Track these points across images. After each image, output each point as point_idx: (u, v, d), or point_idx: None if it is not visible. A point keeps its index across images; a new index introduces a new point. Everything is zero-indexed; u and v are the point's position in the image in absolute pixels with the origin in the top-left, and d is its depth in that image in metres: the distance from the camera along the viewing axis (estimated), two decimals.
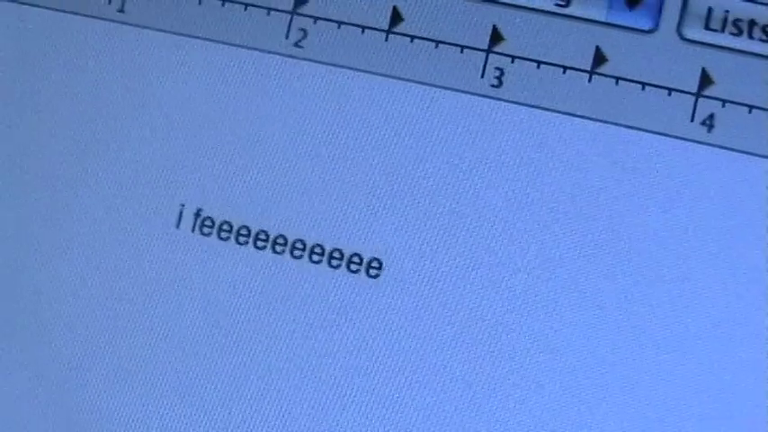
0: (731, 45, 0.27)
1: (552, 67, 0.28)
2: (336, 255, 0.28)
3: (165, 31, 0.30)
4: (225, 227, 0.29)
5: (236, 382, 0.28)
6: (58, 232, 0.30)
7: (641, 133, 0.27)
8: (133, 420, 0.29)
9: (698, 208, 0.27)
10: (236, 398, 0.28)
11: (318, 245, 0.28)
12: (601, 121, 0.27)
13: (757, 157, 0.27)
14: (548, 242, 0.27)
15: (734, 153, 0.27)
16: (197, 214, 0.29)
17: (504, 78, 0.28)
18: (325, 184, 0.28)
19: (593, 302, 0.27)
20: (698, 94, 0.27)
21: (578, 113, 0.27)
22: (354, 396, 0.27)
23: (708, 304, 0.26)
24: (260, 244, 0.28)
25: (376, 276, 0.28)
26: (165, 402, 0.28)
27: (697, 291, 0.27)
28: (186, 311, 0.28)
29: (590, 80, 0.27)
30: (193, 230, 0.29)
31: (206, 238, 0.29)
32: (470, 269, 0.27)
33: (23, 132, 0.31)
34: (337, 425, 0.27)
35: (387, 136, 0.28)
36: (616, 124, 0.27)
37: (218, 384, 0.28)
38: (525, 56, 0.28)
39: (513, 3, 0.28)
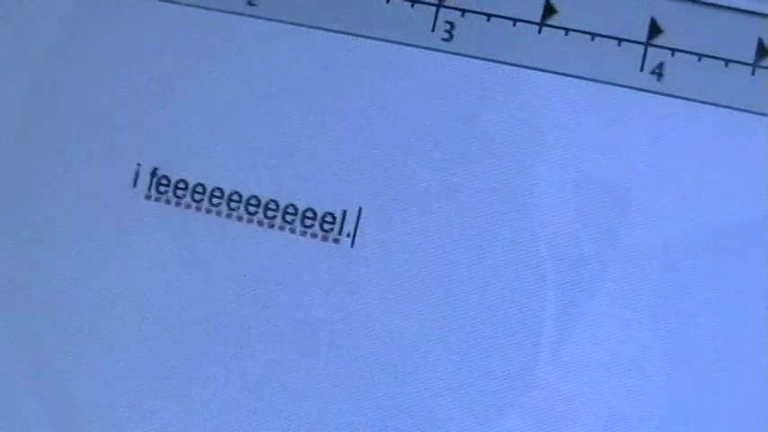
0: None
1: (502, 20, 0.28)
2: (291, 210, 0.28)
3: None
4: (181, 185, 0.29)
5: (194, 337, 0.28)
6: (15, 193, 0.30)
7: (591, 83, 0.27)
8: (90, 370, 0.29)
9: (649, 156, 0.27)
10: (193, 349, 0.28)
11: (273, 200, 0.28)
12: (551, 72, 0.27)
13: (707, 105, 0.27)
14: (506, 195, 0.27)
15: (684, 101, 0.27)
16: (153, 173, 0.29)
17: (454, 32, 0.28)
18: (279, 141, 0.28)
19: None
20: (647, 44, 0.27)
21: (528, 65, 0.27)
22: (313, 348, 0.28)
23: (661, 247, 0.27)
24: (215, 201, 0.28)
25: (329, 231, 0.28)
26: (122, 352, 0.29)
27: (655, 237, 0.27)
28: (143, 270, 0.29)
29: (540, 32, 0.28)
30: (150, 189, 0.29)
31: (162, 196, 0.29)
32: (428, 224, 0.27)
33: None
34: (291, 375, 0.28)
35: (341, 93, 0.28)
36: (566, 75, 0.27)
37: (177, 337, 0.28)
38: (474, 9, 0.28)
39: None
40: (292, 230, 0.28)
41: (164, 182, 0.29)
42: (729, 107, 0.27)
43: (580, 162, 0.27)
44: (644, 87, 0.27)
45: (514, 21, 0.28)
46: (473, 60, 0.28)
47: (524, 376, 0.27)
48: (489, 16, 0.28)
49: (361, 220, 0.28)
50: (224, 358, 0.28)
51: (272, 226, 0.28)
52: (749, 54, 0.27)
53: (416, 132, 0.28)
